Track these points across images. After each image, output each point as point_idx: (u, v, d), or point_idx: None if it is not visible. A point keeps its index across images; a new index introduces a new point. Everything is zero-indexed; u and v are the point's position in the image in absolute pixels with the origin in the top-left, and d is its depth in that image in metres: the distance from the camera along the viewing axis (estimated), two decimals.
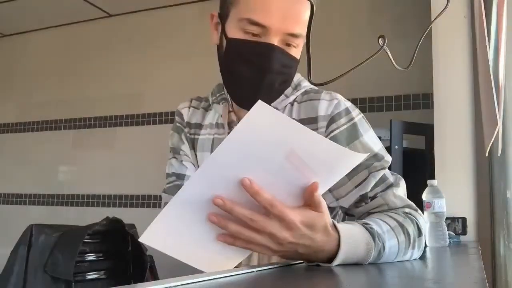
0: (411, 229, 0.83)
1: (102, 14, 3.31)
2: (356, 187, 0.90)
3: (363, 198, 0.90)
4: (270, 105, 0.63)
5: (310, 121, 0.94)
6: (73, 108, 3.39)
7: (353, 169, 0.89)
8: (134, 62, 3.22)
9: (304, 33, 0.90)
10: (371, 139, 0.94)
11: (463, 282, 0.69)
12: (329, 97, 0.96)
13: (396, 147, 1.79)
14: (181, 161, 1.04)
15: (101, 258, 1.55)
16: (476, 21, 1.47)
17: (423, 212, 0.97)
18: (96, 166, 3.23)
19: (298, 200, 0.69)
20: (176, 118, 1.09)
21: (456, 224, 1.65)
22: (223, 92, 1.02)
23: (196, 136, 1.05)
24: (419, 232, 0.84)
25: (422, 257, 0.87)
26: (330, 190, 0.92)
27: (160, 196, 1.08)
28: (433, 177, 1.60)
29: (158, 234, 0.68)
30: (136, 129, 3.14)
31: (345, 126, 0.93)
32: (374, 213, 0.89)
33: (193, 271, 0.71)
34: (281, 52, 0.88)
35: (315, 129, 0.94)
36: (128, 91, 3.22)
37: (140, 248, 1.56)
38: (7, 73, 3.72)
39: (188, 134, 1.06)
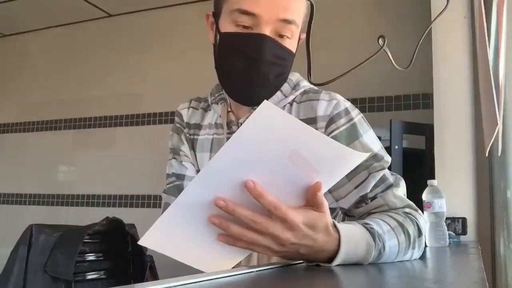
0: (411, 229, 0.83)
1: (102, 14, 3.31)
2: (356, 187, 0.90)
3: (363, 199, 0.90)
4: (267, 100, 0.62)
5: (309, 122, 0.94)
6: (73, 108, 3.39)
7: (353, 170, 0.89)
8: (134, 62, 3.21)
9: (298, 21, 0.89)
10: (371, 139, 0.94)
11: (463, 282, 0.69)
12: (328, 97, 0.96)
13: (396, 147, 1.79)
14: (181, 161, 1.04)
15: (101, 258, 1.56)
16: (476, 21, 1.47)
17: (423, 212, 0.97)
18: (96, 166, 3.23)
19: (300, 199, 0.68)
20: (176, 118, 1.09)
21: (456, 224, 1.65)
22: (221, 92, 1.02)
23: (195, 137, 1.05)
24: (419, 232, 0.84)
25: (422, 257, 0.87)
26: (330, 191, 0.92)
27: (160, 196, 1.08)
28: (433, 177, 1.60)
29: (158, 237, 0.68)
30: (136, 129, 3.14)
31: (344, 127, 0.93)
32: (374, 213, 0.89)
33: (193, 271, 0.71)
34: (273, 42, 0.87)
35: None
36: (128, 91, 3.22)
37: (140, 248, 1.56)
38: (7, 73, 3.72)
39: (187, 135, 1.06)
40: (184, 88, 2.23)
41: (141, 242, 0.67)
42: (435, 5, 1.76)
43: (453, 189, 1.69)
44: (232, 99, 0.97)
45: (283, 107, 0.98)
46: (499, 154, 1.51)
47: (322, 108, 0.94)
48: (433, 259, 0.99)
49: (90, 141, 3.31)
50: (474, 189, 1.74)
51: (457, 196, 1.70)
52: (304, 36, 0.96)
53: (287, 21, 0.87)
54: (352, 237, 0.73)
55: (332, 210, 0.96)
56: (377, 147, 0.93)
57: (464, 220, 1.66)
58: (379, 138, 0.98)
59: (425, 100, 2.39)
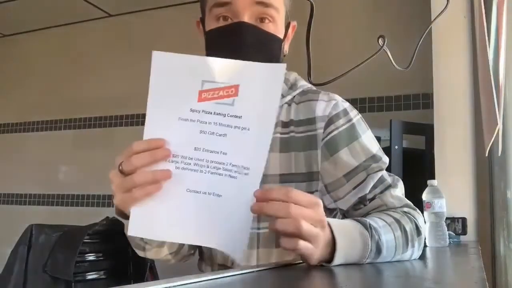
0: (409, 227, 0.82)
1: (102, 14, 3.31)
2: (354, 188, 0.90)
3: (361, 200, 0.90)
4: None
5: (308, 122, 0.94)
6: (73, 108, 3.39)
7: (351, 171, 0.88)
8: (134, 62, 3.21)
9: (276, 4, 0.88)
10: (369, 140, 0.94)
11: (463, 282, 0.69)
12: (327, 98, 0.96)
13: (396, 147, 1.79)
14: None
15: (101, 258, 1.56)
16: (476, 21, 1.47)
17: (422, 212, 0.97)
18: (96, 166, 3.22)
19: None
20: None
21: (456, 224, 1.65)
22: None
23: None
24: (418, 231, 0.84)
25: (422, 257, 0.87)
26: (328, 192, 0.92)
27: None
28: (433, 177, 1.60)
29: (143, 221, 0.67)
30: (136, 129, 3.13)
31: (343, 127, 0.93)
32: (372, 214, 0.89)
33: (193, 271, 0.71)
34: (252, 27, 0.86)
35: (313, 130, 0.93)
36: (128, 91, 3.22)
37: None
38: (7, 73, 3.72)
39: None
40: None
41: (130, 232, 0.67)
42: (435, 5, 1.76)
43: (453, 189, 1.68)
44: None
45: (281, 107, 0.97)
46: (499, 154, 1.51)
47: (321, 108, 0.94)
48: (433, 259, 0.99)
49: (90, 141, 3.31)
50: (474, 189, 1.74)
51: (457, 196, 1.70)
52: (295, 24, 0.96)
53: (263, 4, 0.86)
54: (344, 227, 0.72)
55: (331, 210, 0.96)
56: (375, 148, 0.93)
57: (464, 220, 1.66)
58: (379, 138, 0.98)
59: (425, 100, 2.39)
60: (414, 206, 0.90)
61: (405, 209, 0.88)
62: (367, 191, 0.89)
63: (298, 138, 0.93)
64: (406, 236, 0.81)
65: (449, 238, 1.39)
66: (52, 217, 3.22)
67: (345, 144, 0.91)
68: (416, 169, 1.85)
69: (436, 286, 0.60)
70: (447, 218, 1.43)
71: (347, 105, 0.96)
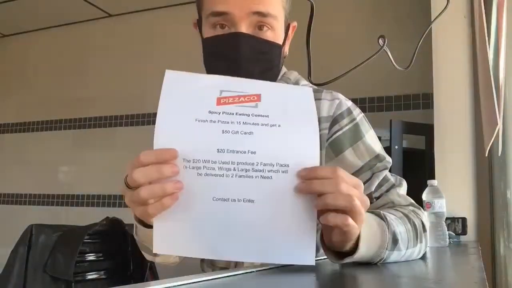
0: (417, 222, 0.82)
1: (102, 14, 3.31)
2: None
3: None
4: None
5: None
6: (73, 108, 3.39)
7: (357, 171, 0.88)
8: (134, 62, 3.21)
9: (274, 12, 0.86)
10: (372, 140, 0.94)
11: (463, 282, 0.69)
12: (330, 97, 0.96)
13: (396, 147, 1.79)
14: None
15: (101, 258, 1.56)
16: (476, 21, 1.47)
17: None
18: (96, 166, 3.23)
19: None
20: None
21: (456, 224, 1.65)
22: None
23: None
24: (424, 228, 0.84)
25: (422, 257, 0.87)
26: None
27: None
28: (433, 177, 1.60)
29: (168, 237, 0.60)
30: (136, 129, 3.13)
31: (347, 127, 0.93)
32: None
33: (193, 271, 0.71)
34: (248, 37, 0.85)
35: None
36: (128, 91, 3.22)
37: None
38: (7, 73, 3.72)
39: None
40: None
41: (155, 250, 0.61)
42: (435, 5, 1.76)
43: (453, 189, 1.69)
44: None
45: None
46: (499, 154, 1.52)
47: (325, 108, 0.94)
48: (433, 259, 0.99)
49: (90, 141, 3.31)
50: (474, 189, 1.74)
51: (457, 196, 1.70)
52: (295, 24, 0.95)
53: (261, 14, 0.85)
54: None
55: None
56: (378, 147, 0.94)
57: (464, 220, 1.66)
58: (379, 138, 0.98)
59: (425, 100, 2.39)
60: (418, 205, 0.90)
61: (411, 208, 0.88)
62: (373, 189, 0.89)
63: None
64: (415, 230, 0.80)
65: (449, 238, 1.39)
66: (52, 217, 3.23)
67: (350, 145, 0.91)
68: (416, 169, 1.85)
69: (436, 286, 0.60)
70: (447, 218, 1.43)
71: (350, 103, 0.96)
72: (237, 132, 0.60)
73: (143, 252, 0.89)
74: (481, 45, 1.35)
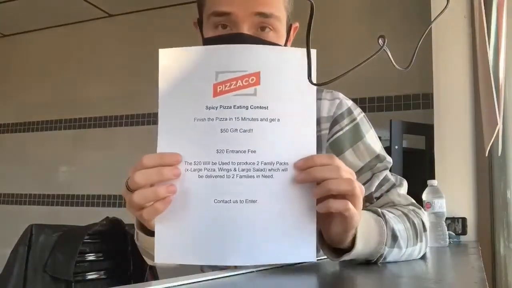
0: (417, 221, 0.82)
1: (102, 14, 3.31)
2: None
3: (368, 199, 0.90)
4: None
5: None
6: (73, 108, 3.39)
7: (357, 172, 0.88)
8: (134, 62, 3.21)
9: (277, 13, 0.86)
10: (373, 140, 0.94)
11: (463, 282, 0.69)
12: (330, 96, 0.95)
13: (396, 147, 1.79)
14: None
15: (101, 258, 1.55)
16: (476, 21, 1.47)
17: None
18: (96, 166, 3.23)
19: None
20: None
21: (456, 224, 1.65)
22: None
23: None
24: (424, 227, 0.83)
25: (422, 257, 0.87)
26: None
27: None
28: (433, 177, 1.60)
29: (170, 245, 0.60)
30: (136, 129, 3.13)
31: (348, 127, 0.93)
32: None
33: (193, 271, 0.71)
34: (251, 38, 0.84)
35: (318, 131, 0.93)
36: (128, 91, 3.22)
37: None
38: (7, 73, 3.72)
39: None
40: None
41: (157, 260, 0.60)
42: (435, 5, 1.76)
43: (453, 189, 1.69)
44: None
45: None
46: (499, 154, 1.52)
47: (325, 108, 0.94)
48: (433, 259, 0.99)
49: (90, 141, 3.31)
50: (474, 189, 1.74)
51: (457, 196, 1.70)
52: (297, 25, 0.95)
53: (264, 15, 0.84)
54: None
55: None
56: (378, 147, 0.94)
57: (464, 220, 1.66)
58: (379, 138, 0.98)
59: (425, 100, 2.39)
60: (419, 205, 0.90)
61: (411, 207, 0.88)
62: (373, 190, 0.89)
63: None
64: (415, 229, 0.80)
65: (449, 238, 1.39)
66: (52, 217, 3.23)
67: (350, 145, 0.91)
68: (416, 169, 1.85)
69: (436, 286, 0.60)
70: (447, 218, 1.43)
71: (350, 103, 0.96)
72: (236, 130, 0.59)
73: (144, 257, 0.89)
74: (481, 45, 1.35)
